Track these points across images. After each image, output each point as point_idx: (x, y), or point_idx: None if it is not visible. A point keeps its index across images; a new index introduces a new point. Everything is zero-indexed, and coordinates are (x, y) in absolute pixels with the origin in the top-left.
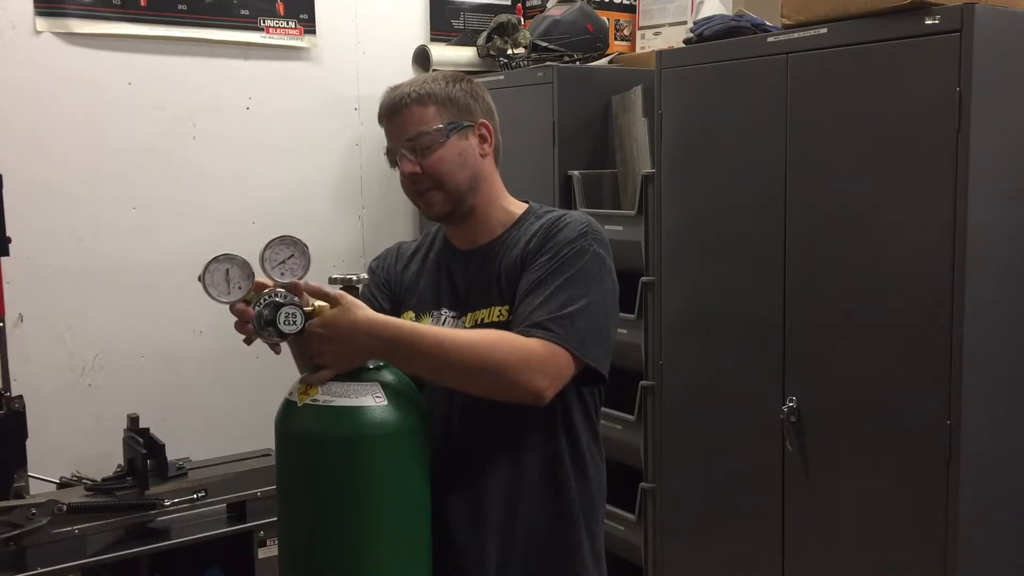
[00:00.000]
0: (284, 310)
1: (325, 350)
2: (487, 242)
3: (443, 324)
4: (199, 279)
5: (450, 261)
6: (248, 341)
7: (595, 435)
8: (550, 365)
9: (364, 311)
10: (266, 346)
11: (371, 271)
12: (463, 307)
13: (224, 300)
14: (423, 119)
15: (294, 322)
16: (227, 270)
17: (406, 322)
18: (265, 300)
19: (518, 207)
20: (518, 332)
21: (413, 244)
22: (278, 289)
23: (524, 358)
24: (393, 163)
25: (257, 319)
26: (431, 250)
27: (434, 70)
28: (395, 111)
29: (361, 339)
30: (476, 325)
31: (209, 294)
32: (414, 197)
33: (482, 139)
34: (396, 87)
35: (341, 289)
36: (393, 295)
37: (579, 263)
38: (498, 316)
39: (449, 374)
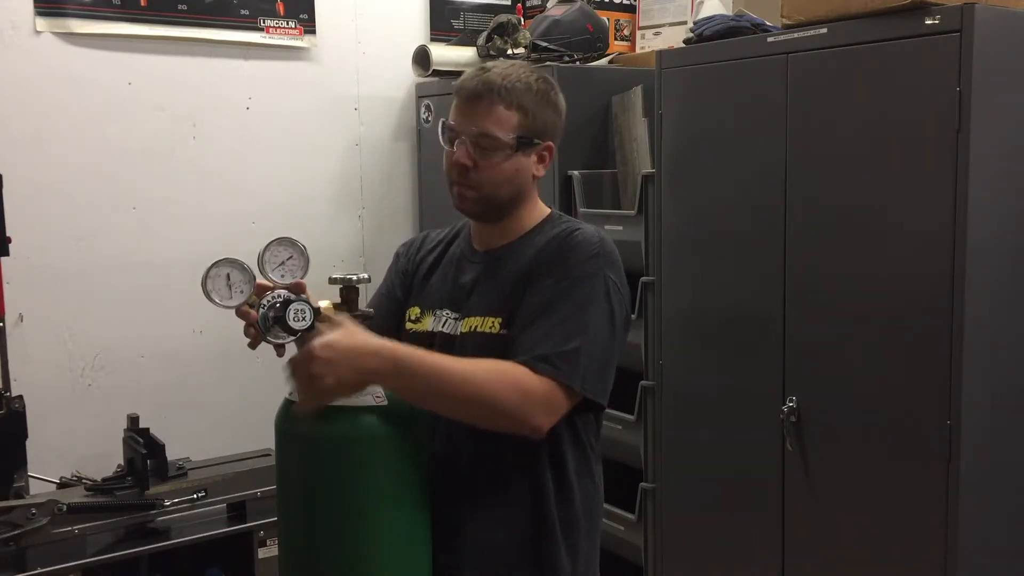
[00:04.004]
0: (293, 306)
1: (327, 372)
2: (501, 246)
3: (443, 325)
4: (202, 285)
5: (465, 260)
6: (253, 345)
7: (586, 461)
8: (550, 402)
9: (364, 334)
10: (267, 346)
11: (396, 256)
12: (464, 310)
13: (227, 304)
14: (501, 121)
15: (303, 318)
16: (228, 274)
17: (409, 349)
18: (269, 302)
19: (540, 213)
20: (521, 362)
21: (440, 234)
22: (279, 290)
23: (525, 395)
24: (447, 140)
25: (262, 321)
26: (451, 244)
27: (434, 70)
28: (477, 97)
29: (363, 360)
30: (469, 331)
31: (211, 299)
32: (451, 183)
33: (540, 159)
34: (487, 69)
35: (341, 289)
36: (407, 285)
37: (586, 289)
38: (490, 327)
39: (447, 405)
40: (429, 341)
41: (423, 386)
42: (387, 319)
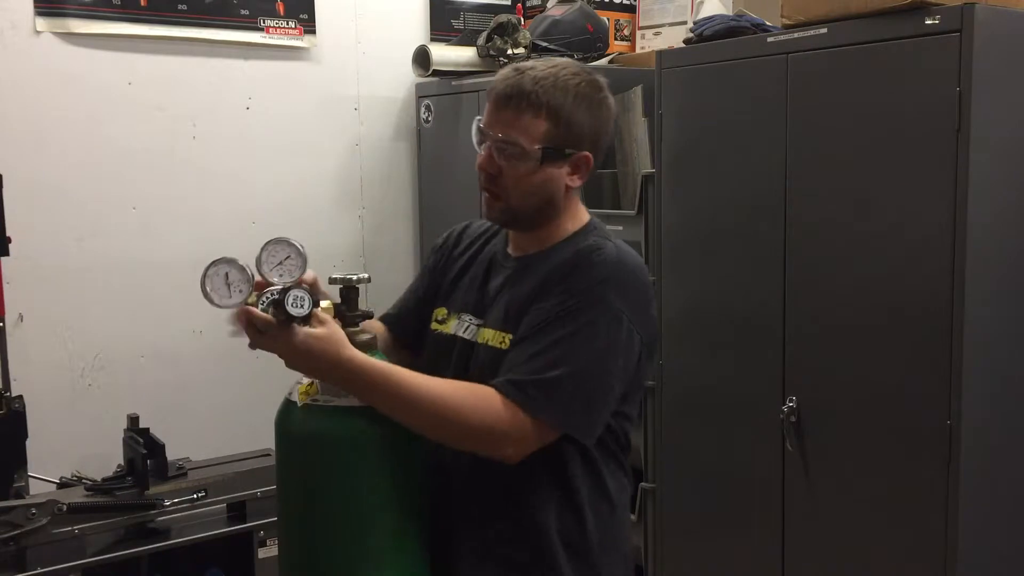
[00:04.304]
0: (293, 292)
1: (298, 365)
2: (533, 253)
3: (465, 330)
4: (200, 284)
5: (496, 263)
6: (253, 345)
7: (601, 484)
8: (515, 431)
9: (336, 342)
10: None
11: (432, 250)
12: (485, 318)
13: (225, 304)
14: (527, 129)
15: (302, 305)
16: (226, 273)
17: (377, 368)
18: (269, 297)
19: (578, 221)
20: (496, 385)
21: (483, 226)
22: (275, 289)
23: (488, 425)
24: (478, 141)
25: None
26: (490, 241)
27: (434, 70)
28: (506, 100)
29: (329, 372)
30: (483, 343)
31: (210, 299)
32: (481, 188)
33: (575, 169)
34: (521, 71)
35: (341, 289)
36: (434, 283)
37: (585, 316)
38: (499, 343)
39: (413, 422)
40: (450, 345)
41: (383, 401)
42: (409, 318)
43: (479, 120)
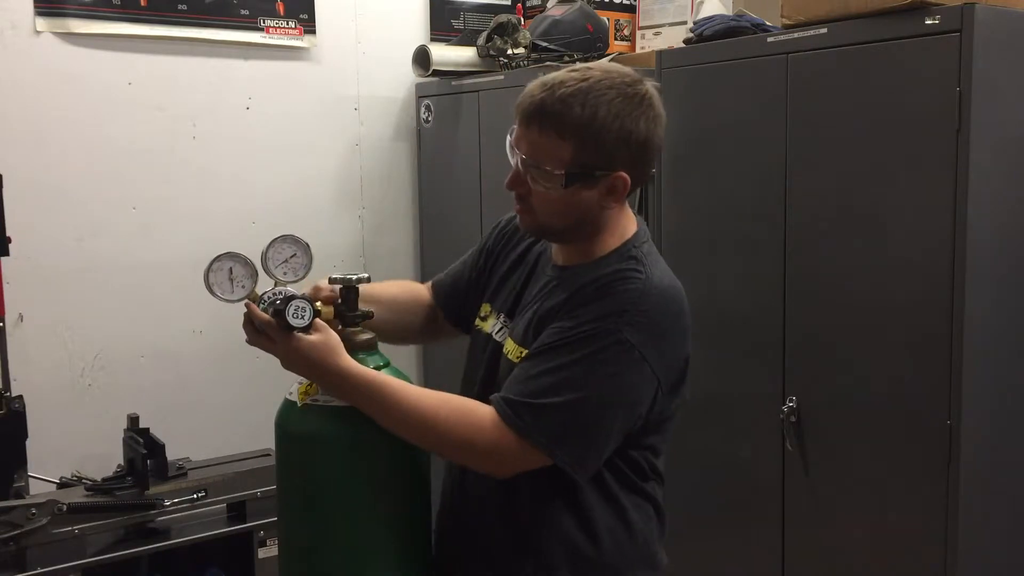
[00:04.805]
0: (295, 303)
1: (293, 369)
2: (572, 265)
3: (498, 332)
4: (204, 278)
5: (540, 268)
6: (250, 341)
7: (621, 513)
8: (499, 449)
9: (333, 358)
10: None
11: (493, 229)
12: (514, 324)
13: (228, 299)
14: (550, 152)
15: (302, 316)
16: (230, 268)
17: (367, 378)
18: (270, 297)
19: (621, 236)
20: (493, 400)
21: None
22: (279, 288)
23: (468, 440)
24: (512, 156)
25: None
26: (537, 241)
27: (434, 70)
28: (529, 119)
29: (321, 379)
30: (505, 352)
31: (213, 293)
32: (515, 200)
33: (609, 191)
34: (548, 87)
35: (341, 289)
36: (483, 267)
37: (595, 346)
38: (516, 357)
39: (401, 434)
40: (485, 344)
41: (371, 410)
42: (457, 302)
43: (512, 132)
